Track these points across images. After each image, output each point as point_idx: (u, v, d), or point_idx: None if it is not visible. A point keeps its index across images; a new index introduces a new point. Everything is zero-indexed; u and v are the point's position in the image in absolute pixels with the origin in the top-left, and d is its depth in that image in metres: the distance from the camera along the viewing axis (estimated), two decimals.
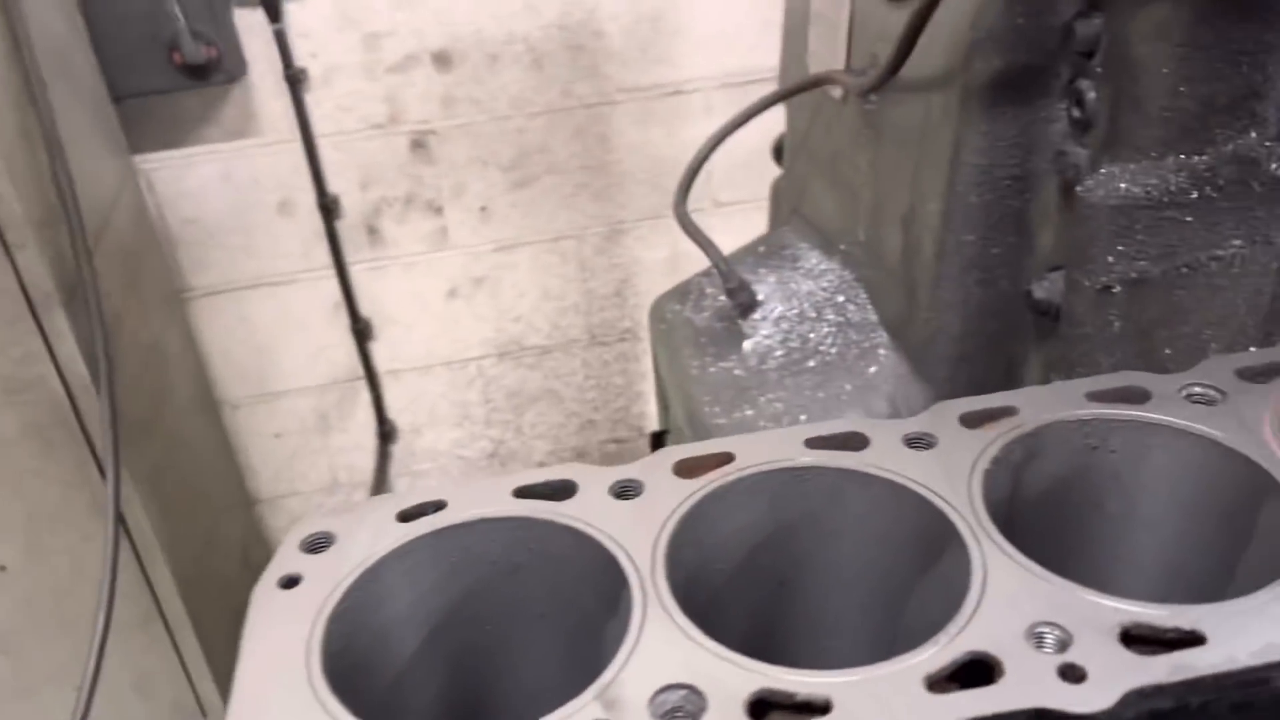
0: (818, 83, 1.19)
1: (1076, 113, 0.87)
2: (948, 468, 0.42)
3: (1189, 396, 0.46)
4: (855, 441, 0.45)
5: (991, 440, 0.43)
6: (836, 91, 1.22)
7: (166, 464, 1.80)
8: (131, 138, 1.98)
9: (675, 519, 0.41)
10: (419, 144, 2.13)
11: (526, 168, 2.19)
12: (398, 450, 2.50)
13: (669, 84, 2.15)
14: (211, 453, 2.19)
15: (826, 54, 1.24)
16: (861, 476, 0.43)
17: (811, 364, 1.16)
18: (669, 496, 0.42)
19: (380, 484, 2.47)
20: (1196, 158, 0.80)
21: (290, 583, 0.40)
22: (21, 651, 1.66)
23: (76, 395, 1.47)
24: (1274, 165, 0.80)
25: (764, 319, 1.25)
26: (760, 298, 1.28)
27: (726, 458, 0.44)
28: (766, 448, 0.44)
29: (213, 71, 1.87)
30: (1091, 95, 0.85)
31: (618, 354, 2.48)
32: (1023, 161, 0.93)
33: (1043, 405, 0.45)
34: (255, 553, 2.41)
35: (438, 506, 0.43)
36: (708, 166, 2.31)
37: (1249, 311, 0.87)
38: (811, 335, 1.19)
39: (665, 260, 2.34)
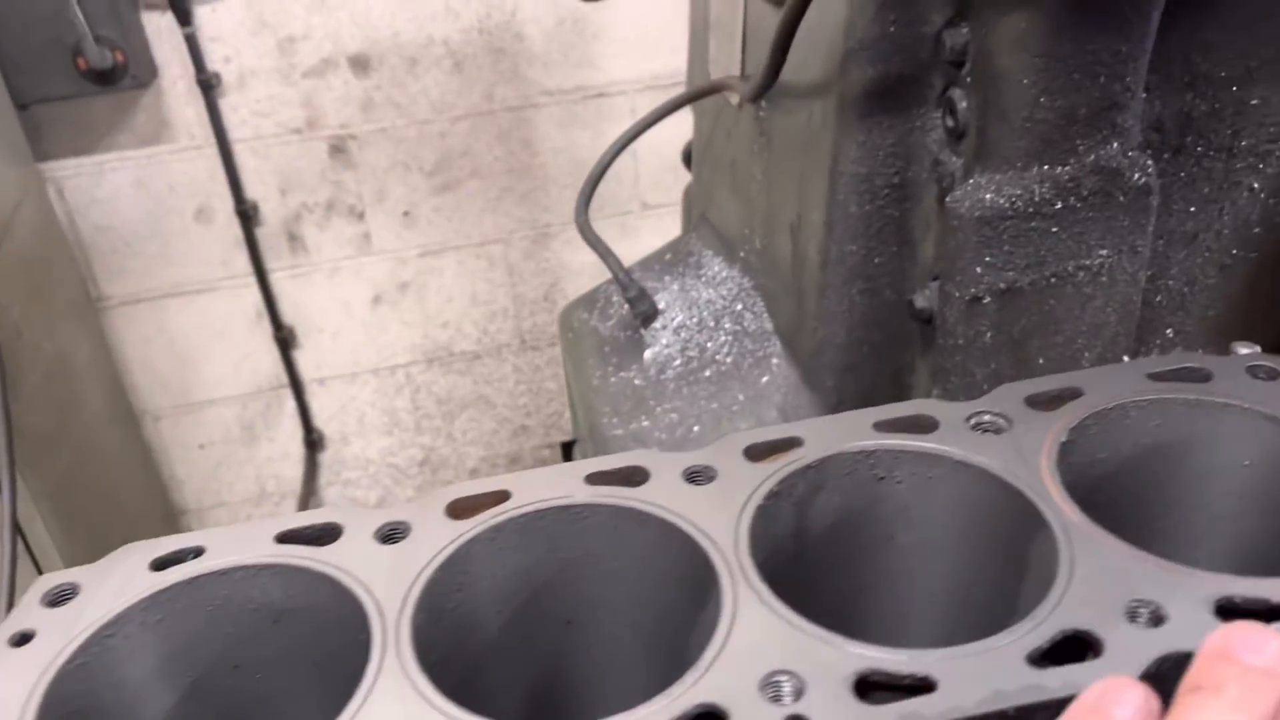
0: (713, 89, 1.19)
1: (949, 122, 0.87)
2: (722, 503, 0.41)
3: (976, 425, 0.46)
4: (637, 476, 0.44)
5: (770, 474, 0.42)
6: (734, 98, 1.21)
7: (76, 477, 1.76)
8: (39, 145, 1.93)
9: (437, 563, 0.39)
10: (339, 149, 2.10)
11: (450, 172, 2.16)
12: (326, 459, 2.47)
13: (592, 87, 2.14)
14: (129, 465, 2.15)
15: (725, 60, 1.23)
16: (636, 514, 0.42)
17: (708, 373, 1.15)
18: (435, 538, 0.40)
19: (308, 493, 2.43)
20: (1060, 168, 0.80)
21: (22, 640, 0.38)
22: None
23: None
24: (1136, 176, 0.81)
25: (664, 328, 1.24)
26: (662, 306, 1.27)
27: (503, 496, 0.43)
28: (544, 485, 0.43)
29: (120, 76, 1.82)
30: (963, 105, 0.85)
31: (549, 359, 2.47)
32: (902, 171, 0.92)
33: (827, 436, 0.44)
34: None
35: (196, 553, 0.41)
36: (634, 169, 2.31)
37: (1120, 320, 0.87)
38: (709, 344, 1.18)
39: (594, 264, 2.32)
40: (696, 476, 0.43)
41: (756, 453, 0.44)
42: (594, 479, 0.43)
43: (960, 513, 0.43)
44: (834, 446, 0.43)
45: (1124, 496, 0.47)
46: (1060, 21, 0.75)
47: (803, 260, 1.04)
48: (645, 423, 1.15)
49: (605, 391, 1.23)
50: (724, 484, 0.42)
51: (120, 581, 0.39)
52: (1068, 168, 0.80)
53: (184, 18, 1.88)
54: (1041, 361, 0.88)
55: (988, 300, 0.84)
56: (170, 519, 2.39)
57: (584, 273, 2.36)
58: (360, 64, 2.02)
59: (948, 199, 0.85)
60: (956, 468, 0.42)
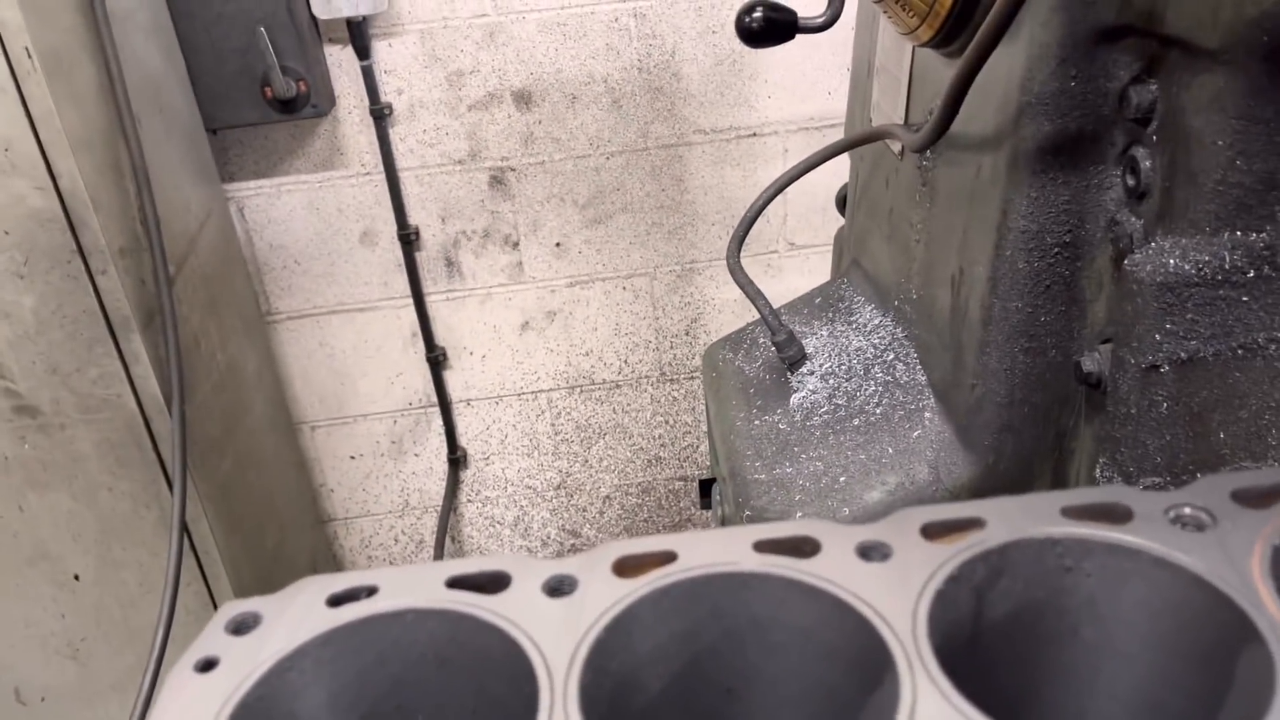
0: (875, 136, 1.17)
1: (1130, 181, 0.84)
2: (898, 583, 0.40)
3: (1176, 519, 0.43)
4: (806, 546, 0.43)
5: (950, 556, 0.41)
6: (895, 146, 1.20)
7: (237, 481, 1.86)
8: (225, 167, 2.07)
9: (604, 621, 0.39)
10: (498, 180, 2.17)
11: (602, 205, 2.21)
12: (467, 477, 2.54)
13: (746, 127, 2.15)
14: (286, 471, 2.25)
15: (888, 107, 1.22)
16: (804, 588, 0.41)
17: (856, 423, 1.13)
18: (602, 596, 0.41)
19: (449, 509, 2.50)
20: (1254, 235, 0.76)
21: (207, 666, 0.40)
22: (91, 659, 1.73)
23: (150, 415, 1.53)
24: None
25: (812, 373, 1.23)
26: (810, 351, 1.25)
27: (669, 556, 0.43)
28: (711, 548, 0.43)
29: (301, 105, 1.93)
30: (1146, 164, 0.82)
31: (686, 391, 2.47)
32: (1075, 229, 0.89)
33: (1012, 519, 0.42)
34: (324, 569, 2.47)
35: (369, 591, 0.42)
36: (782, 210, 2.31)
37: None
38: (858, 393, 1.16)
39: (737, 300, 2.32)
40: (870, 552, 0.42)
41: (934, 531, 0.42)
42: (762, 546, 0.43)
43: (1155, 614, 0.41)
44: (1019, 531, 0.41)
45: None
46: (1260, 82, 0.71)
47: (963, 315, 1.01)
48: (789, 469, 1.14)
49: (748, 434, 1.22)
50: (899, 562, 0.41)
51: (298, 615, 0.41)
52: (1264, 234, 0.76)
53: (363, 52, 1.98)
54: (1223, 436, 0.83)
55: (1166, 369, 0.80)
56: (320, 525, 2.49)
57: (726, 309, 2.36)
58: (523, 99, 2.09)
59: (1126, 261, 0.81)
60: (1154, 564, 0.40)
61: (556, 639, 0.38)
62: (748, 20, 1.01)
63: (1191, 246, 0.77)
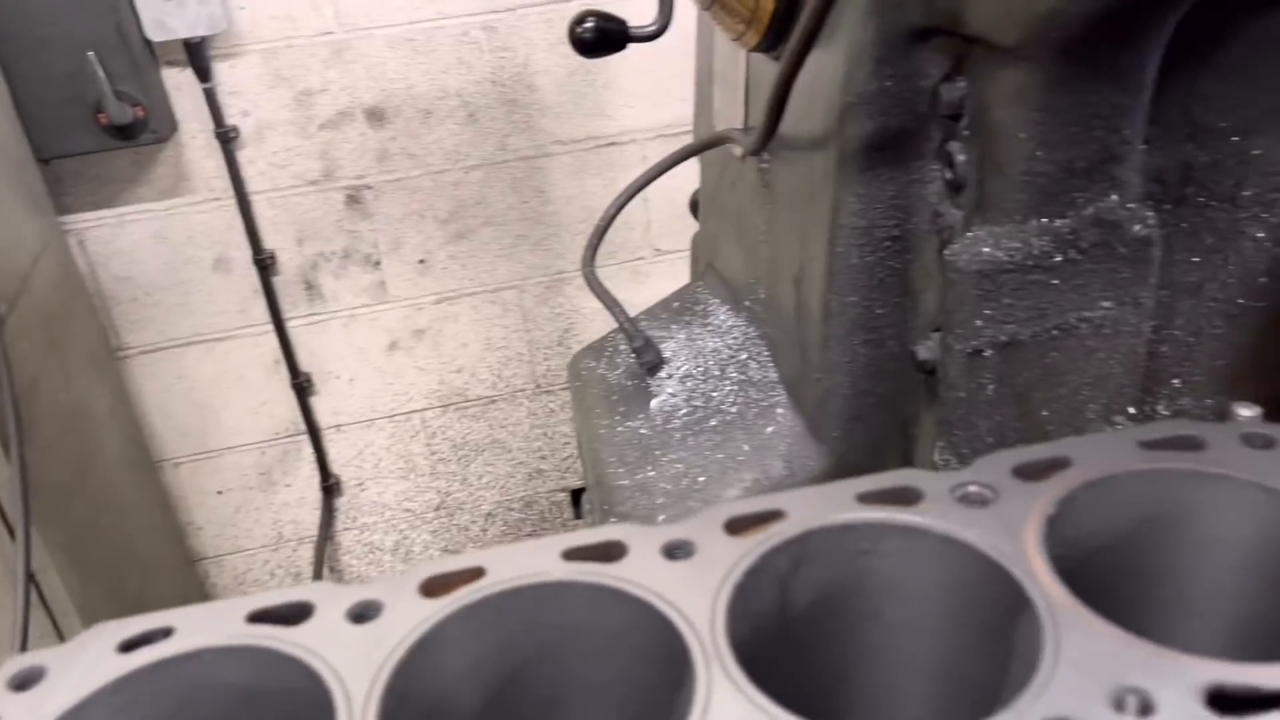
0: (716, 142, 1.19)
1: (948, 175, 0.87)
2: (700, 580, 0.41)
3: (962, 497, 0.45)
4: (614, 550, 0.43)
5: (750, 549, 0.42)
6: (737, 150, 1.22)
7: (92, 526, 1.77)
8: (60, 199, 1.97)
9: (407, 644, 0.39)
10: (354, 199, 2.13)
11: (464, 220, 2.18)
12: (343, 504, 2.48)
13: (604, 135, 2.16)
14: (147, 512, 2.16)
15: (729, 111, 1.24)
16: (610, 592, 0.41)
17: (713, 423, 1.15)
18: (407, 618, 0.40)
19: (325, 538, 2.44)
20: (1059, 221, 0.80)
21: None
22: None
23: None
24: (1137, 228, 0.80)
25: (670, 377, 1.24)
26: (668, 355, 1.27)
27: (477, 573, 0.43)
28: (520, 561, 0.43)
29: (140, 131, 1.86)
30: (961, 158, 0.85)
31: (563, 403, 2.47)
32: (902, 223, 0.92)
33: (811, 508, 0.43)
34: None
35: (165, 633, 0.41)
36: (646, 216, 2.33)
37: (1125, 372, 0.86)
38: (715, 394, 1.18)
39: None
40: (676, 551, 0.43)
41: (737, 526, 0.43)
42: (571, 554, 0.43)
43: (946, 590, 0.43)
44: (817, 520, 0.42)
45: (1116, 572, 0.45)
46: (1056, 75, 0.75)
47: (806, 311, 1.04)
48: (651, 473, 1.14)
49: (611, 441, 1.23)
50: (703, 559, 0.42)
51: (88, 664, 0.39)
52: (1067, 220, 0.80)
53: (203, 74, 1.92)
54: (1045, 414, 0.87)
55: (989, 353, 0.83)
56: (189, 565, 2.39)
57: (598, 318, 2.37)
58: (376, 116, 2.05)
59: (946, 252, 0.85)
60: (940, 542, 0.42)
61: (357, 667, 0.37)
62: (579, 31, 1.02)
63: (1003, 235, 0.81)
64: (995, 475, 0.45)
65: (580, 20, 1.01)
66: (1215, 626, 0.47)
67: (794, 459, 1.06)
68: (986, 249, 0.81)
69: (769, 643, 0.41)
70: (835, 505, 0.43)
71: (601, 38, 1.01)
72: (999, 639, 0.40)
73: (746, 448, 1.10)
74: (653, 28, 1.03)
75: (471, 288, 2.26)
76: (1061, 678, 0.35)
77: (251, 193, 2.06)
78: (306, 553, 2.49)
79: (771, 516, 0.43)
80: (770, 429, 1.10)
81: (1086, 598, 0.40)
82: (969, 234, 0.83)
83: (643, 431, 1.21)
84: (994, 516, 0.42)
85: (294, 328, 2.22)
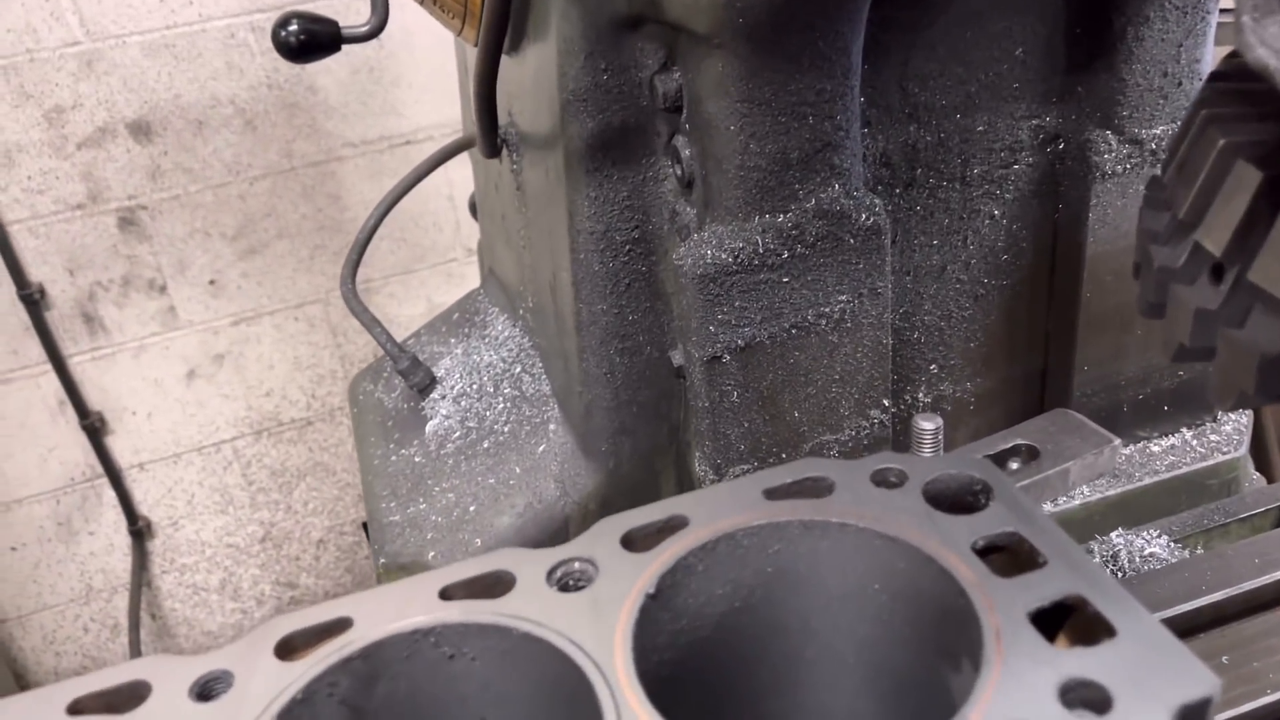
0: (462, 145, 1.12)
1: (678, 171, 0.82)
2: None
3: (563, 579, 0.40)
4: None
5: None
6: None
7: None
8: None
9: None
10: (128, 221, 1.96)
11: (255, 235, 2.05)
12: (157, 547, 2.31)
13: (398, 135, 2.05)
14: None
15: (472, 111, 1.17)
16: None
17: (486, 445, 1.08)
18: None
19: (139, 584, 2.27)
20: (781, 216, 0.76)
21: None
22: None
23: None
24: (864, 216, 0.77)
25: (444, 397, 1.16)
26: (442, 373, 1.19)
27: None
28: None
29: None
30: (686, 153, 0.80)
31: None
32: (640, 224, 0.87)
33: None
34: (1, 674, 2.18)
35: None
36: (454, 216, 2.23)
37: (873, 365, 0.83)
38: (488, 413, 1.11)
39: (422, 316, 2.23)
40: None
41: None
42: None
43: (540, 689, 0.37)
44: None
45: (751, 629, 0.41)
46: (754, 64, 0.70)
47: (562, 321, 0.98)
48: (422, 505, 1.07)
49: (385, 472, 1.15)
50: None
51: None
52: (789, 215, 0.76)
53: None
54: (797, 415, 0.83)
55: (727, 359, 0.79)
56: None
57: (413, 325, 2.26)
58: (141, 130, 1.90)
59: (674, 255, 0.80)
60: (524, 641, 0.36)
61: None
62: (284, 35, 0.92)
63: (727, 234, 0.76)
64: (602, 546, 0.40)
65: (284, 23, 0.92)
66: (861, 675, 0.43)
67: (566, 478, 1.00)
68: (710, 251, 0.76)
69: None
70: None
71: (310, 40, 0.92)
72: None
73: (519, 470, 1.03)
74: (366, 27, 0.94)
75: (271, 305, 2.13)
76: None
77: (8, 222, 1.88)
78: (121, 602, 2.32)
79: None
80: (542, 448, 1.04)
81: (714, 662, 0.35)
82: (696, 235, 0.78)
83: (417, 460, 1.13)
84: (588, 602, 0.37)
85: (77, 364, 2.04)
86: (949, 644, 0.37)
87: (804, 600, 0.41)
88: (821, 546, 0.40)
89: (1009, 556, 0.39)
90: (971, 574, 0.36)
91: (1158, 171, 0.60)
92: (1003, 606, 0.35)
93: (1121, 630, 0.33)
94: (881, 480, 0.42)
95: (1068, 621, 0.36)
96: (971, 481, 0.41)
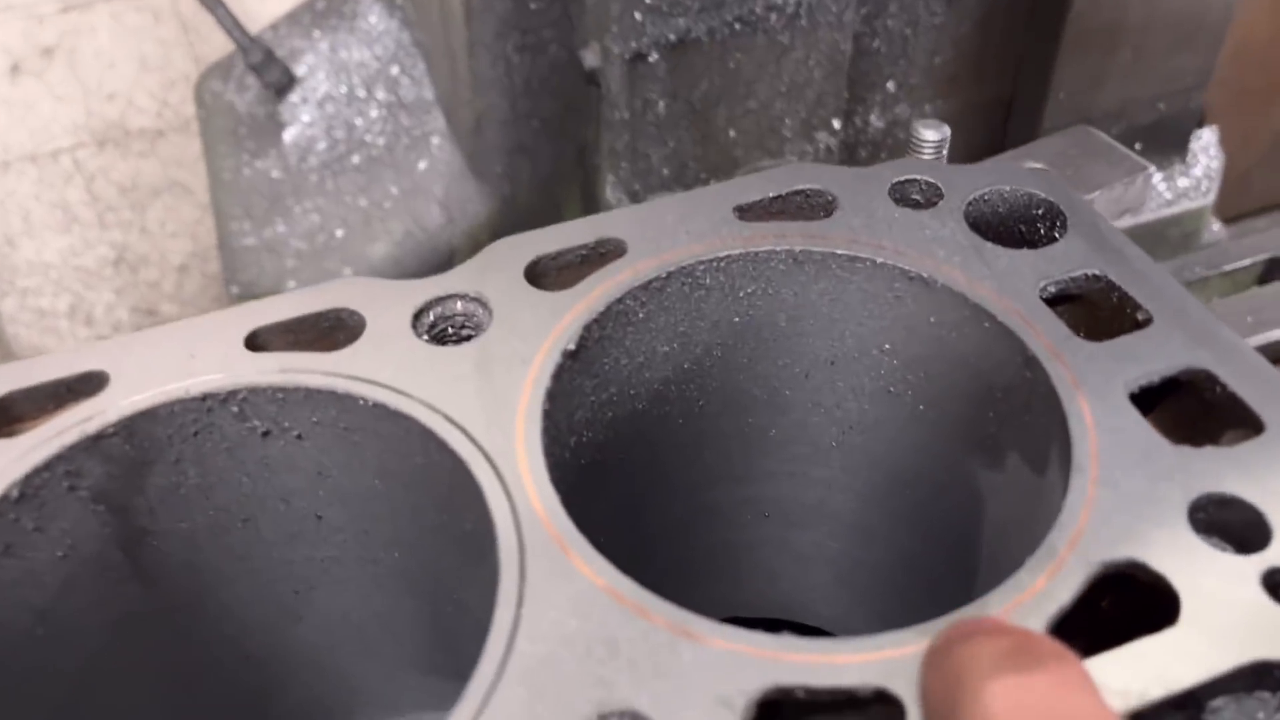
0: None
1: None
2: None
3: (436, 326, 0.27)
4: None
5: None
6: None
7: None
8: None
9: None
10: None
11: None
12: None
13: None
14: None
15: None
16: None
17: (356, 160, 0.91)
18: None
19: None
20: None
21: None
22: None
23: None
24: None
25: (306, 101, 0.98)
26: (304, 72, 0.99)
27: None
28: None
29: None
30: None
31: None
32: None
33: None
34: None
35: None
36: None
37: (826, 76, 0.69)
38: (359, 121, 0.94)
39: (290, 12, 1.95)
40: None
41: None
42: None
43: (394, 489, 0.26)
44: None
45: (693, 409, 0.30)
46: None
47: (448, 9, 0.79)
48: (281, 228, 0.92)
49: (237, 188, 0.98)
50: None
51: None
52: None
53: None
54: (732, 134, 0.69)
55: (654, 58, 0.64)
56: None
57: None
58: None
59: None
60: (377, 416, 0.24)
61: None
62: None
63: None
64: (500, 278, 0.27)
65: None
66: (843, 466, 0.32)
67: (452, 203, 0.85)
68: None
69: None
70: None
71: None
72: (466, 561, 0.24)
73: (395, 191, 0.88)
74: None
75: None
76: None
77: None
78: None
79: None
80: (424, 165, 0.88)
81: (648, 445, 0.24)
82: None
83: (274, 175, 0.96)
84: (476, 359, 0.25)
85: None
86: (993, 435, 0.26)
87: (780, 364, 0.30)
88: (815, 289, 0.28)
89: (1088, 310, 0.28)
90: (1043, 333, 0.25)
91: None
92: (1092, 382, 0.24)
93: (1272, 424, 0.23)
94: (904, 197, 0.30)
95: (1172, 406, 0.25)
96: (1032, 202, 0.29)
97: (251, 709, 0.31)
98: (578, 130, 0.80)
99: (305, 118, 0.98)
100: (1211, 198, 0.85)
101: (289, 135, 0.98)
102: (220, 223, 0.98)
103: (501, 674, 0.20)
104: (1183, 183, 0.84)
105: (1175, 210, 0.83)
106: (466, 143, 0.84)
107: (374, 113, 0.94)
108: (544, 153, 0.82)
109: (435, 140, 0.89)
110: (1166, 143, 0.84)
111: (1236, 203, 1.38)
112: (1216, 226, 0.89)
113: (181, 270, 2.24)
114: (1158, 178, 0.85)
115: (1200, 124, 0.86)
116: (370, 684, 0.32)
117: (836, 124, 0.73)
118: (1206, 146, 0.87)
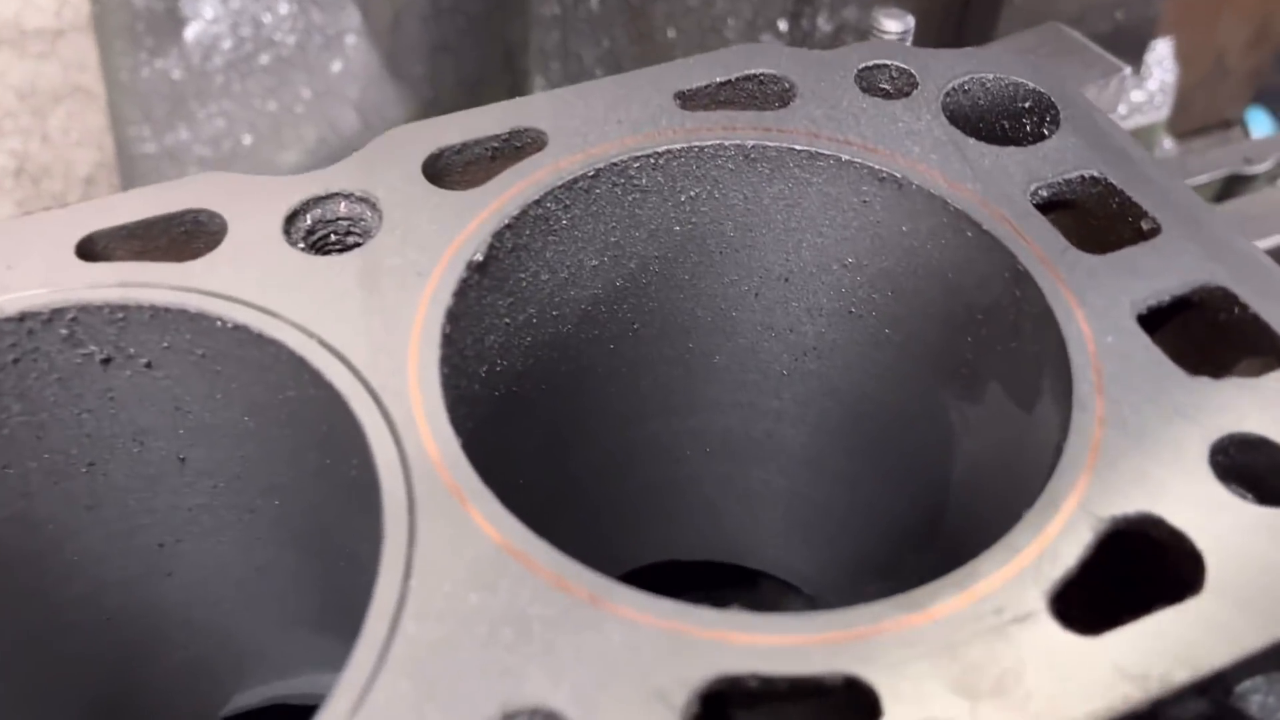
0: None
1: None
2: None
3: (312, 233, 0.23)
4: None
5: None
6: None
7: None
8: None
9: None
10: None
11: None
12: None
13: None
14: None
15: None
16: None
17: (265, 60, 0.84)
18: None
19: None
20: None
21: None
22: None
23: None
24: None
25: None
26: None
27: None
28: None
29: None
30: None
31: None
32: None
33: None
34: None
35: None
36: None
37: None
38: (267, 18, 0.86)
39: None
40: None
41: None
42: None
43: (265, 427, 0.22)
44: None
45: (624, 332, 0.26)
46: None
47: None
48: (184, 134, 0.85)
49: (135, 90, 0.90)
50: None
51: None
52: None
53: None
54: (671, 34, 0.64)
55: None
56: None
57: None
58: None
59: None
60: (240, 341, 0.20)
61: None
62: None
63: None
64: (388, 179, 0.22)
65: None
66: (794, 397, 0.29)
67: (369, 107, 0.79)
68: None
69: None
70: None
71: None
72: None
73: (307, 93, 0.81)
74: None
75: None
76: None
77: None
78: None
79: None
80: (337, 66, 0.81)
81: (568, 375, 0.20)
82: None
83: (175, 75, 0.88)
84: (361, 272, 0.20)
85: None
86: (970, 362, 0.23)
87: (727, 280, 0.26)
88: (769, 192, 0.24)
89: (1084, 217, 0.24)
90: (1035, 244, 0.21)
91: None
92: (1093, 301, 0.20)
93: None
94: (873, 85, 0.25)
95: (1176, 330, 0.22)
96: (1019, 93, 0.25)
97: (122, 672, 0.27)
98: (505, 27, 0.74)
99: (208, 13, 0.90)
100: (1165, 112, 0.83)
101: (191, 32, 0.90)
102: (117, 127, 0.90)
103: (382, 664, 0.16)
104: (1137, 96, 0.81)
105: (1130, 125, 0.80)
106: (384, 41, 0.78)
107: (283, 8, 0.87)
108: (469, 52, 0.76)
109: (350, 39, 0.82)
110: (1123, 52, 0.81)
111: (1179, 121, 1.36)
112: (1169, 144, 0.86)
113: (88, 182, 2.12)
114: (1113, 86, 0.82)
115: (1154, 36, 0.83)
116: (257, 644, 0.28)
117: (783, 25, 0.68)
118: (1161, 59, 0.84)
